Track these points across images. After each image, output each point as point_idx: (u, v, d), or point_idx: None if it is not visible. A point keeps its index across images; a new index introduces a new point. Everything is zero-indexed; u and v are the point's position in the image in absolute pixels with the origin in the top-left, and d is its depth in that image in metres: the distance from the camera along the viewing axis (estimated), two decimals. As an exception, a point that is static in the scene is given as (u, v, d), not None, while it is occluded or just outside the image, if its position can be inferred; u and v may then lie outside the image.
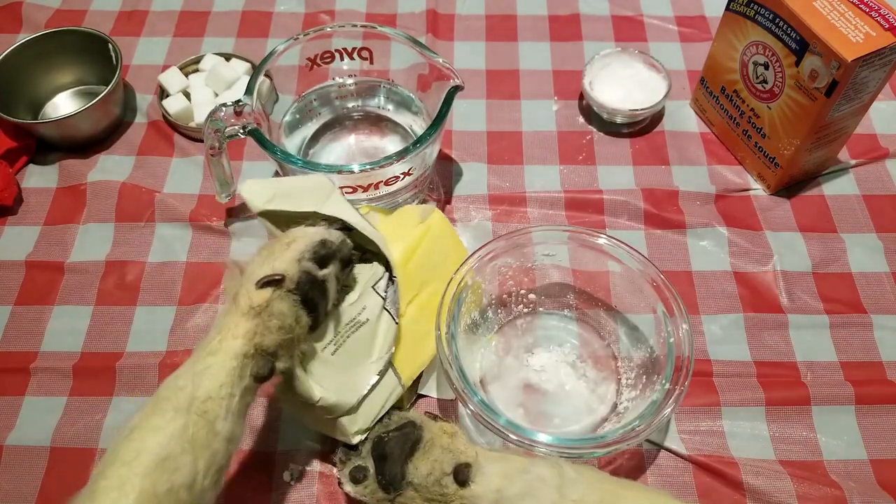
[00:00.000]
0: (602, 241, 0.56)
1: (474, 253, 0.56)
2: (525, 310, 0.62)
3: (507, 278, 0.60)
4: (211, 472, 0.40)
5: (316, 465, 0.56)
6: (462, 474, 0.46)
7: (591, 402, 0.58)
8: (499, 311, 0.62)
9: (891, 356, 0.61)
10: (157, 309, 0.64)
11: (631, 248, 0.56)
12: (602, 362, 0.60)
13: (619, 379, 0.59)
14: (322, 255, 0.47)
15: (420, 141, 0.57)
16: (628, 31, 0.84)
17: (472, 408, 0.49)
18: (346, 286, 0.51)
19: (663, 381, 0.51)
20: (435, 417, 0.51)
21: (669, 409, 0.49)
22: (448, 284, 0.54)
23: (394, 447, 0.49)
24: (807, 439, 0.57)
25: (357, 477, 0.49)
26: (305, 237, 0.47)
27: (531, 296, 0.62)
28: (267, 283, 0.44)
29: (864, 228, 0.68)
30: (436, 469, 0.47)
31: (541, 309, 0.63)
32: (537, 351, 0.60)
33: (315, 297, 0.46)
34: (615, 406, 0.57)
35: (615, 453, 0.56)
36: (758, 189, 0.71)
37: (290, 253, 0.46)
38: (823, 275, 0.65)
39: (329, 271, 0.47)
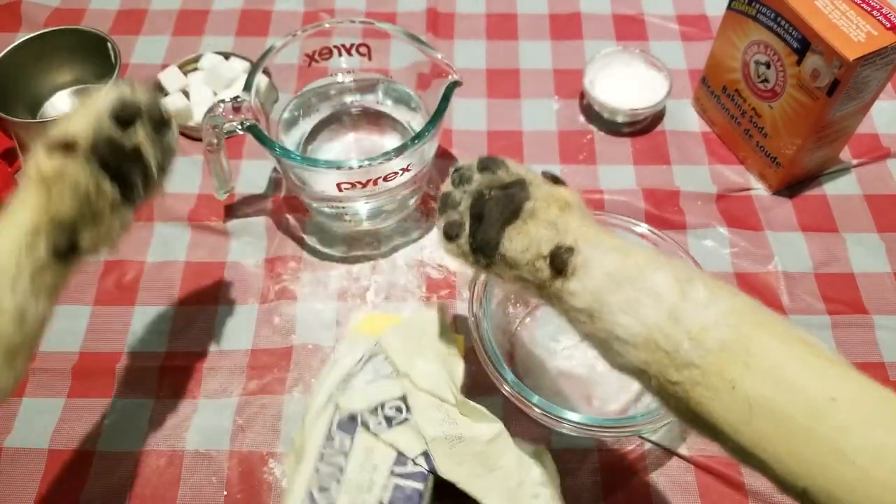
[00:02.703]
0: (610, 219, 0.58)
1: None
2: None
3: None
4: None
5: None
6: (559, 260, 0.38)
7: (623, 379, 0.58)
8: (518, 304, 0.62)
9: (892, 356, 0.61)
10: (156, 309, 0.63)
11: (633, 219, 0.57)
12: None
13: None
14: (125, 116, 0.40)
15: (418, 137, 0.57)
16: (629, 29, 0.83)
17: (506, 389, 0.50)
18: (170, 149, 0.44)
19: None
20: (555, 180, 0.43)
21: None
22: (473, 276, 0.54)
23: (492, 208, 0.41)
24: (808, 440, 0.57)
25: (450, 234, 0.43)
26: (103, 96, 0.41)
27: None
28: (57, 147, 0.39)
29: (866, 228, 0.68)
30: (532, 246, 0.39)
31: None
32: (562, 338, 0.61)
33: (121, 164, 0.40)
34: None
35: (617, 451, 0.56)
36: (759, 189, 0.71)
37: (84, 113, 0.40)
38: (825, 275, 0.65)
39: (137, 133, 0.41)
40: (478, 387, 0.59)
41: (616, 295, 0.36)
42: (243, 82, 0.60)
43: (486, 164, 0.43)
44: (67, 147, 0.39)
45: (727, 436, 0.33)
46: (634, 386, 0.57)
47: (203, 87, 0.75)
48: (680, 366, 0.34)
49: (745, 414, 0.32)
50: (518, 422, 0.57)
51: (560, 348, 0.60)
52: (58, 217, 0.39)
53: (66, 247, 0.39)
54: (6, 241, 0.38)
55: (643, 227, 0.57)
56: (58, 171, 0.38)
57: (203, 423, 0.57)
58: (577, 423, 0.49)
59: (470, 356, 0.60)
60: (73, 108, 0.41)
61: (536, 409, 0.49)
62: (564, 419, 0.49)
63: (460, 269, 0.66)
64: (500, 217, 0.41)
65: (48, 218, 0.38)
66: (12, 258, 0.37)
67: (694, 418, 0.35)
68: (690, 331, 0.34)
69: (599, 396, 0.58)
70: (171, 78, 0.76)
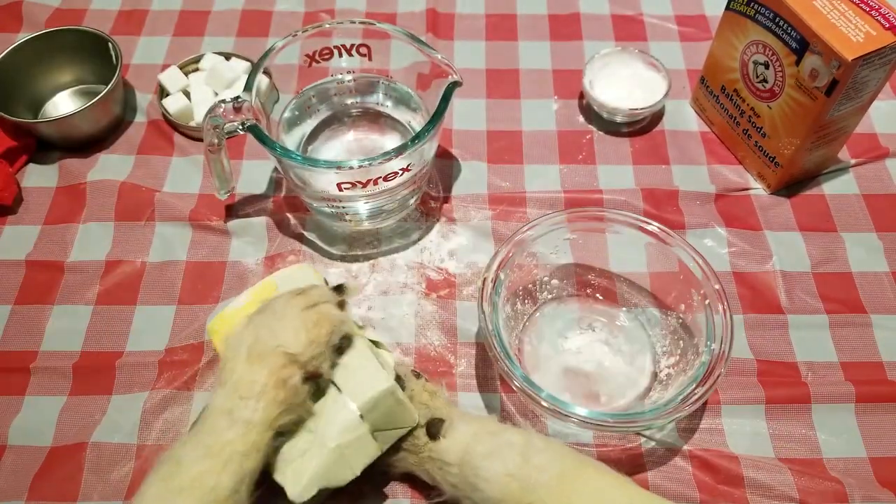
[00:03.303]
0: (606, 214, 0.59)
1: (507, 242, 0.57)
2: (549, 296, 0.63)
3: (532, 268, 0.61)
4: None
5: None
6: (434, 428, 0.49)
7: (631, 375, 0.59)
8: (526, 301, 0.62)
9: (891, 356, 0.61)
10: (158, 308, 0.64)
11: (635, 215, 0.58)
12: (633, 335, 0.61)
13: (654, 348, 0.60)
14: (341, 346, 0.49)
15: (418, 137, 0.57)
16: (628, 30, 0.84)
17: (516, 384, 0.50)
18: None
19: (708, 343, 0.53)
20: (418, 375, 0.53)
21: (721, 371, 0.51)
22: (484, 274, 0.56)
23: None
24: (806, 437, 0.57)
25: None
26: (335, 320, 0.49)
27: (554, 281, 0.63)
28: (309, 376, 0.47)
29: (865, 228, 0.68)
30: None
31: (564, 293, 0.63)
32: (570, 334, 0.61)
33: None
34: (655, 375, 0.58)
35: (618, 445, 0.56)
36: (758, 188, 0.71)
37: (325, 335, 0.47)
38: (823, 274, 0.65)
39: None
40: (479, 381, 0.59)
41: (481, 447, 0.47)
42: (244, 82, 0.61)
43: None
44: (315, 376, 0.47)
45: None
46: (642, 382, 0.58)
47: (204, 88, 0.76)
48: (529, 491, 0.44)
49: None
50: (517, 424, 0.57)
51: (568, 345, 0.61)
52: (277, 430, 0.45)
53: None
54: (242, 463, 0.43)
55: (654, 226, 0.58)
56: (303, 398, 0.46)
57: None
58: (585, 418, 0.49)
59: (479, 352, 0.61)
60: (289, 317, 0.47)
61: (545, 404, 0.50)
62: (573, 414, 0.49)
63: (459, 270, 0.66)
64: None
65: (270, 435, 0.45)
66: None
67: None
68: (536, 466, 0.45)
69: (606, 393, 0.58)
70: (171, 78, 0.76)
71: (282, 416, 0.45)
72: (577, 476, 0.45)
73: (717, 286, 0.54)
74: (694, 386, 0.51)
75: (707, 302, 0.54)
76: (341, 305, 0.51)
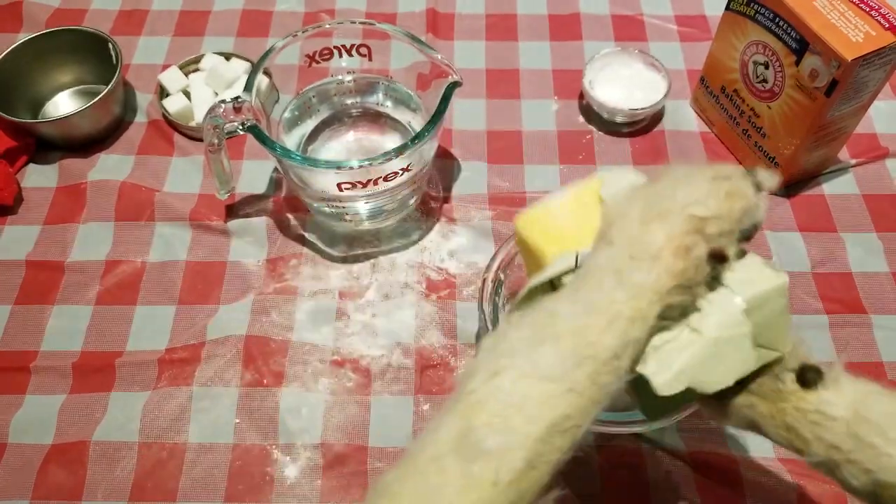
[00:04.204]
0: None
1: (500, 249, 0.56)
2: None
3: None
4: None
5: (319, 459, 0.56)
6: (810, 374, 0.39)
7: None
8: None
9: (890, 356, 0.61)
10: (158, 308, 0.64)
11: None
12: None
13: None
14: (749, 235, 0.40)
15: (418, 137, 0.57)
16: (628, 30, 0.84)
17: None
18: None
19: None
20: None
21: None
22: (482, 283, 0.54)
23: None
24: (806, 439, 0.57)
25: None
26: (746, 194, 0.39)
27: None
28: (714, 255, 0.38)
29: (864, 228, 0.68)
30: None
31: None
32: None
33: None
34: None
35: (617, 448, 0.56)
36: (758, 188, 0.71)
37: (738, 211, 0.38)
38: (823, 274, 0.65)
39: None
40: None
41: (882, 405, 0.37)
42: (244, 83, 0.61)
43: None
44: (719, 256, 0.38)
45: None
46: None
47: (204, 88, 0.76)
48: None
49: None
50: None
51: None
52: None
53: None
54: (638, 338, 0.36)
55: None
56: (701, 269, 0.37)
57: (204, 416, 0.58)
58: None
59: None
60: (698, 183, 0.39)
61: None
62: None
63: (459, 270, 0.66)
64: None
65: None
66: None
67: None
68: None
69: None
70: (171, 78, 0.76)
71: (674, 291, 0.37)
72: None
73: None
74: None
75: None
76: (757, 188, 0.41)
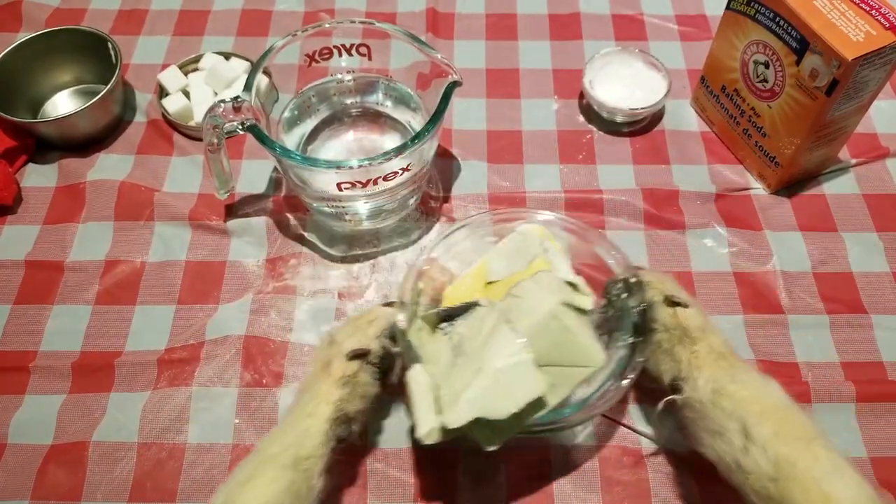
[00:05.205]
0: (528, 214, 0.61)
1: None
2: None
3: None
4: None
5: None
6: (672, 300, 0.53)
7: None
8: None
9: (890, 356, 0.61)
10: (157, 308, 0.64)
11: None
12: None
13: None
14: (394, 334, 0.53)
15: (418, 136, 0.57)
16: (628, 29, 0.84)
17: None
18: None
19: (624, 337, 0.53)
20: (675, 304, 0.53)
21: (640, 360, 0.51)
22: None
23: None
24: (807, 439, 0.57)
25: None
26: (384, 317, 0.54)
27: None
28: (356, 356, 0.51)
29: (865, 228, 0.68)
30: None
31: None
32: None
33: (386, 369, 0.54)
34: None
35: (616, 448, 0.56)
36: (758, 188, 0.71)
37: (373, 330, 0.53)
38: (824, 274, 0.65)
39: (398, 348, 0.53)
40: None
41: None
42: (244, 82, 0.61)
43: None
44: (363, 355, 0.51)
45: None
46: None
47: (203, 87, 0.76)
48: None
49: None
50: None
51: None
52: (346, 411, 0.49)
53: (346, 435, 0.50)
54: (317, 432, 0.48)
55: (572, 224, 0.59)
56: (355, 372, 0.51)
57: (203, 416, 0.58)
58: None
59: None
60: (348, 327, 0.54)
61: None
62: None
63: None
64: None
65: (340, 411, 0.49)
66: (322, 446, 0.47)
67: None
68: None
69: None
70: (171, 78, 0.76)
71: (348, 405, 0.50)
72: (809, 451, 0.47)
73: (632, 278, 0.54)
74: (612, 381, 0.51)
75: (623, 295, 0.54)
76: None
